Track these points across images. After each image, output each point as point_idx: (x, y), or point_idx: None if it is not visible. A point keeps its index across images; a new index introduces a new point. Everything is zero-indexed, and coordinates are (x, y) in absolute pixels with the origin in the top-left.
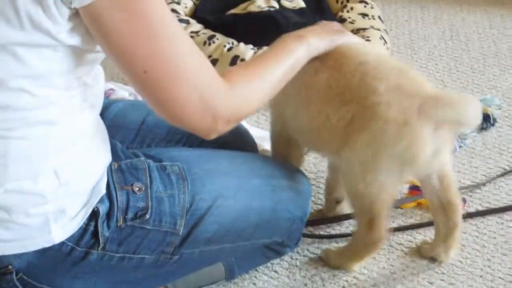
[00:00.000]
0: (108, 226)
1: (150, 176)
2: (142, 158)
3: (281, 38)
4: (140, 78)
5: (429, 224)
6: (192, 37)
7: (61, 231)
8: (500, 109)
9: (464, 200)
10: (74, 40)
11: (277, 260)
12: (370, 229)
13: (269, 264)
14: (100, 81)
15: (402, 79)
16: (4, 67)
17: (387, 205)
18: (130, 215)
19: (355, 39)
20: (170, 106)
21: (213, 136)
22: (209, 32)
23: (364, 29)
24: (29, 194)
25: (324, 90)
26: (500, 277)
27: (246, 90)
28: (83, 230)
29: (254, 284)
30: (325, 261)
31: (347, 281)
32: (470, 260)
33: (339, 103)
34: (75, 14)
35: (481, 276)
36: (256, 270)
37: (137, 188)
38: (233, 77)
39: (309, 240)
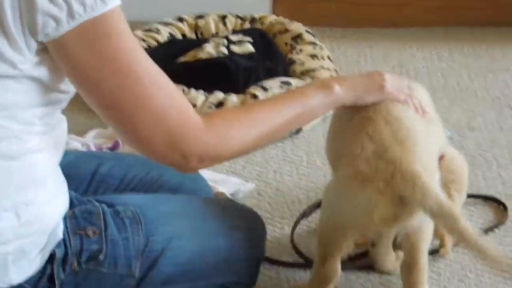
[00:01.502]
0: (64, 270)
1: (105, 220)
2: (96, 204)
3: (307, 84)
4: (104, 113)
5: None
6: None
7: (19, 273)
8: (451, 140)
9: None
10: (39, 73)
11: None
12: (321, 264)
13: None
14: (63, 126)
15: (392, 144)
16: None
17: (341, 247)
18: (84, 258)
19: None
20: (134, 141)
21: (189, 171)
22: None
23: (313, 70)
24: None
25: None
26: None
27: (226, 131)
28: (41, 273)
29: None
30: None
31: None
32: None
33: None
34: (43, 49)
35: None
36: None
37: (91, 232)
38: (215, 117)
39: (266, 277)
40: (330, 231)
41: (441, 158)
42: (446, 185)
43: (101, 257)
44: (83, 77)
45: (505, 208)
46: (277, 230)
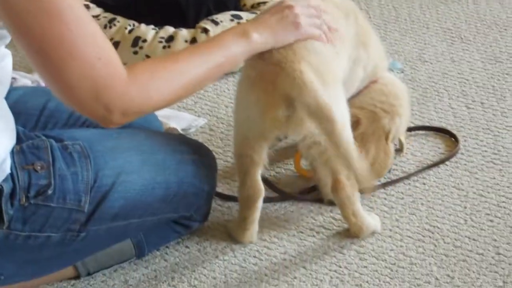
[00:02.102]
0: (12, 205)
1: (53, 155)
2: (44, 138)
3: (223, 31)
4: (32, 59)
5: None
6: None
7: None
8: (402, 72)
9: None
10: None
11: (188, 235)
12: (242, 185)
13: (180, 240)
14: (6, 61)
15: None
16: None
17: (253, 160)
18: (32, 192)
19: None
20: (60, 89)
21: (111, 125)
22: (110, 16)
23: (264, 2)
24: None
25: None
26: (409, 236)
27: (149, 84)
28: None
29: (166, 260)
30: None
31: (258, 250)
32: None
33: None
34: None
35: (390, 237)
36: (167, 246)
37: (39, 167)
38: (137, 68)
39: (218, 213)
40: (237, 142)
41: (373, 81)
42: (375, 105)
43: (50, 191)
44: (15, 19)
45: (456, 140)
46: (229, 165)
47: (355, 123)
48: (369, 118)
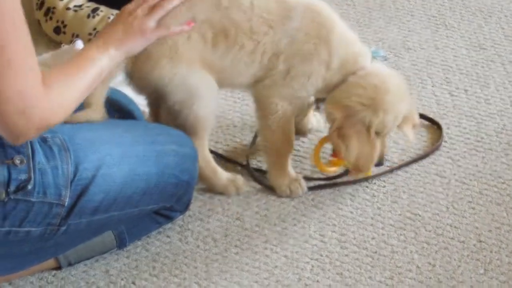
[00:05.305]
0: None
1: (32, 148)
2: None
3: (84, 47)
4: None
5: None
6: (75, 11)
7: None
8: (386, 60)
9: None
10: None
11: (169, 225)
12: None
13: (161, 230)
14: None
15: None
16: None
17: None
18: (12, 188)
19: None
20: None
21: (20, 141)
22: (93, 5)
23: None
24: None
25: None
26: (390, 224)
27: (62, 97)
28: None
29: (147, 250)
30: None
31: (239, 240)
32: (360, 210)
33: None
34: None
35: (371, 225)
36: (148, 237)
37: (19, 161)
38: (51, 80)
39: (200, 202)
40: None
41: (351, 74)
42: (351, 99)
43: (30, 186)
44: None
45: (439, 128)
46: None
47: (331, 119)
48: (343, 113)
